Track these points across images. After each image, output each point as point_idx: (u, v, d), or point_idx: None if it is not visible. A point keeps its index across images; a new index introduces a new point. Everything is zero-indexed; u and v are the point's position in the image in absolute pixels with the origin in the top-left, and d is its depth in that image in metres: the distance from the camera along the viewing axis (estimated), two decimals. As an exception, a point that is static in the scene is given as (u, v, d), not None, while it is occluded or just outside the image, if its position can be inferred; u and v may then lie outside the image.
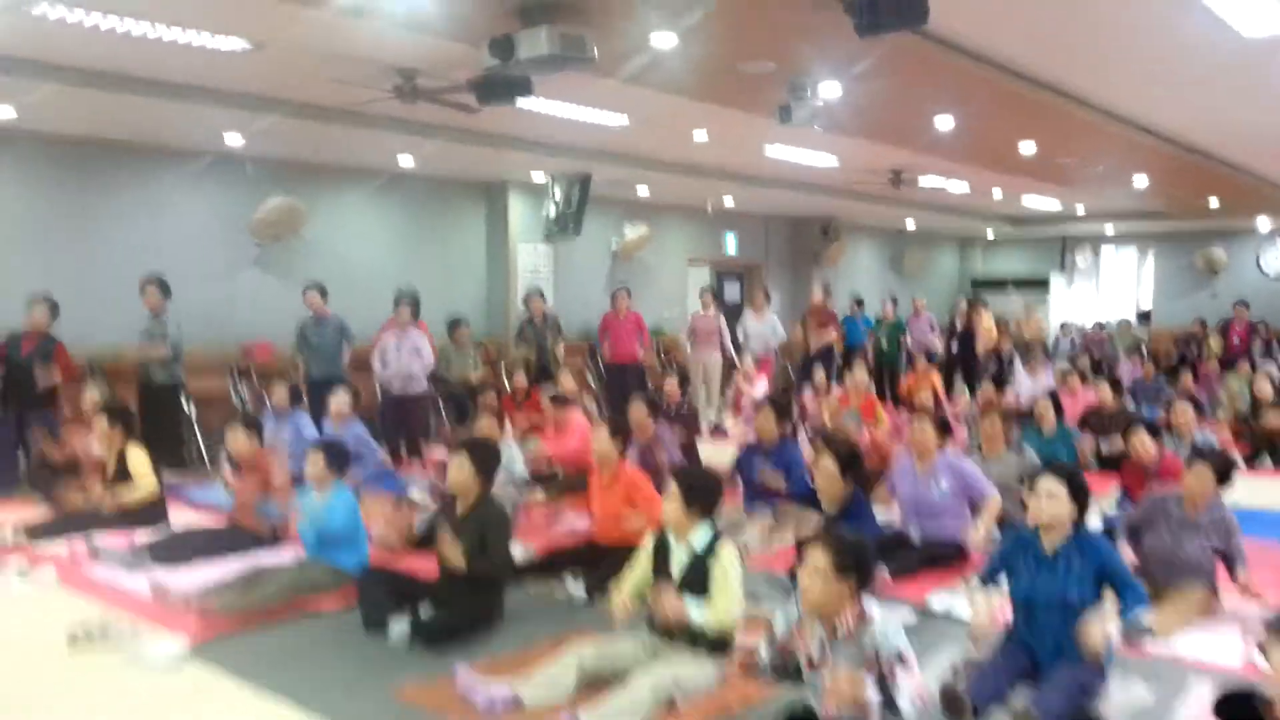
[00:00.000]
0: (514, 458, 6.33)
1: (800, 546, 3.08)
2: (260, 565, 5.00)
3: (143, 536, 5.69)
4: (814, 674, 3.07)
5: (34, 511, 6.47)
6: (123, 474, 6.11)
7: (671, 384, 8.67)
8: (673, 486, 3.85)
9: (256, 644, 4.29)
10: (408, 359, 8.47)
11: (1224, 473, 4.64)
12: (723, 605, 3.73)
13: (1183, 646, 4.16)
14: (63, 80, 6.60)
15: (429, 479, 7.42)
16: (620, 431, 5.34)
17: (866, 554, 3.11)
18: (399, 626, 4.22)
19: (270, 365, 9.18)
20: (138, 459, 6.13)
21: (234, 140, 8.57)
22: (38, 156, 8.19)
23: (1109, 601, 3.54)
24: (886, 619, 3.05)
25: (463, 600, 4.36)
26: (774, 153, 10.25)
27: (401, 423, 8.67)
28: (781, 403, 6.28)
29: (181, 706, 3.69)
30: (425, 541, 4.62)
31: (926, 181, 12.20)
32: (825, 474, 4.69)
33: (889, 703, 2.92)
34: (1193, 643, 4.20)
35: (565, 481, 7.14)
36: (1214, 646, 4.15)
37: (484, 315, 11.52)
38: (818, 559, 2.99)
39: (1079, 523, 3.69)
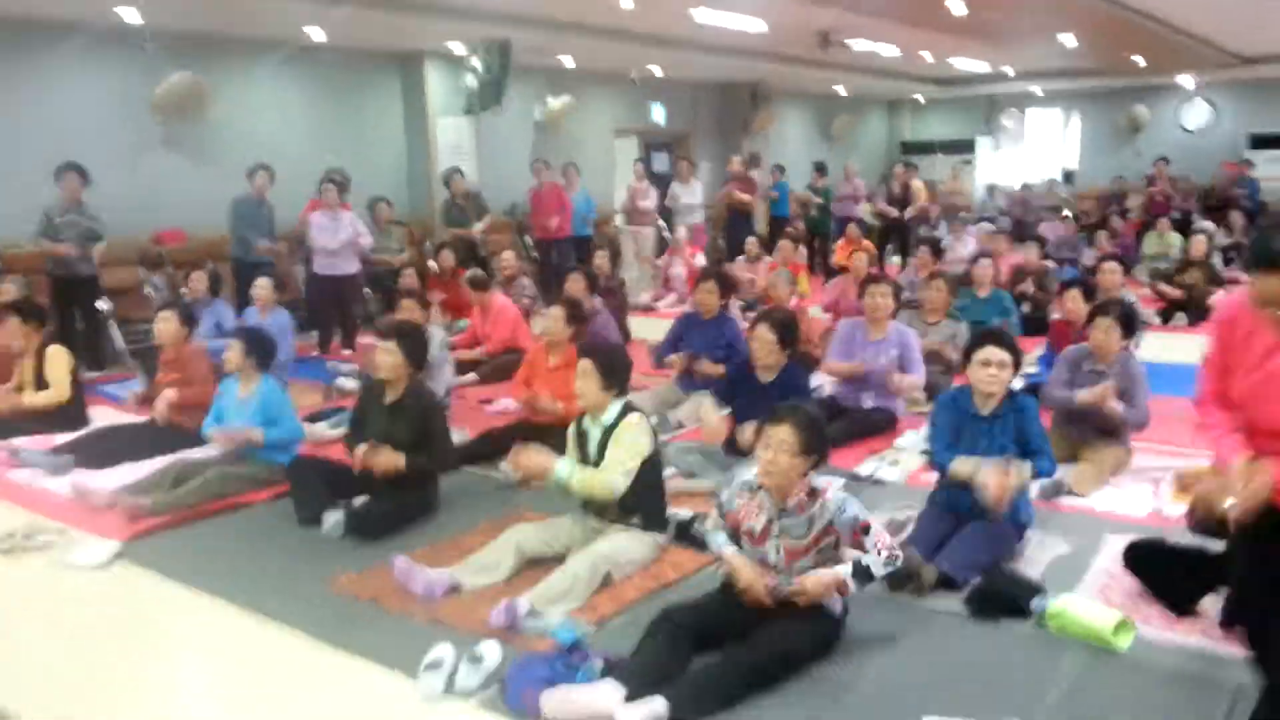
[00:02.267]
0: (439, 341, 6.16)
1: (771, 414, 3.05)
2: (187, 460, 4.90)
3: (63, 438, 5.53)
4: (755, 548, 3.12)
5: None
6: (42, 376, 5.86)
7: (602, 258, 8.58)
8: (586, 364, 3.75)
9: (187, 542, 4.24)
10: (344, 241, 8.21)
11: (1128, 325, 4.77)
12: (599, 470, 3.66)
13: (1097, 501, 4.34)
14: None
15: (359, 366, 7.31)
16: (576, 316, 5.27)
17: (824, 431, 3.12)
18: (333, 518, 4.19)
19: (185, 253, 8.83)
20: (56, 361, 5.87)
21: (129, 13, 8.00)
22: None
23: (1015, 460, 3.65)
24: (839, 492, 3.08)
25: (397, 489, 4.33)
26: (702, 17, 9.93)
27: (333, 306, 8.47)
28: (722, 275, 6.23)
29: (114, 607, 3.65)
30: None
31: (857, 46, 11.97)
32: (763, 343, 4.69)
33: (860, 570, 2.97)
34: (1106, 497, 4.39)
35: (495, 363, 7.08)
36: (1125, 500, 4.34)
37: (405, 194, 11.16)
38: (784, 435, 2.98)
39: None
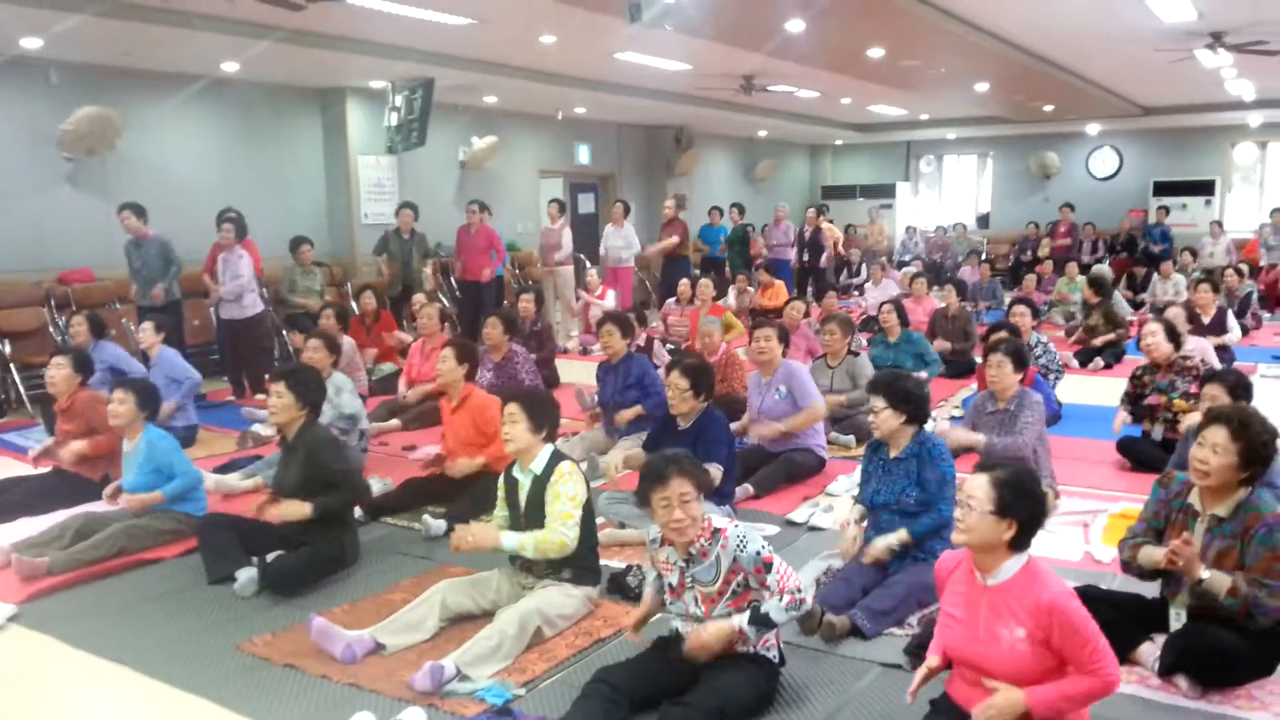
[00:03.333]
0: (340, 387, 5.59)
1: (653, 476, 2.92)
2: (91, 514, 4.62)
3: (-46, 489, 5.18)
4: (675, 601, 3.03)
5: None
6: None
7: (526, 301, 8.48)
8: (514, 408, 3.62)
9: (88, 602, 3.98)
10: (230, 281, 7.97)
11: (1019, 360, 4.87)
12: (547, 530, 3.49)
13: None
14: None
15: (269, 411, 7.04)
16: (466, 355, 5.12)
17: (702, 465, 3.05)
18: (245, 575, 3.97)
19: (94, 293, 8.47)
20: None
21: (32, 43, 7.69)
22: None
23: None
24: (738, 527, 2.99)
25: (310, 540, 4.14)
26: (626, 58, 9.97)
27: (241, 350, 8.19)
28: (621, 317, 6.15)
29: (5, 676, 3.39)
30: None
31: (777, 88, 12.16)
32: (676, 390, 4.63)
33: (759, 618, 2.88)
34: (1038, 541, 4.38)
35: (419, 408, 6.89)
36: (1057, 544, 4.35)
37: (325, 233, 10.90)
38: (680, 488, 2.87)
39: (919, 427, 3.81)
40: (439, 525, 4.62)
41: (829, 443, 5.77)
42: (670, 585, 3.04)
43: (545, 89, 11.25)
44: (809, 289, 13.29)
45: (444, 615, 3.57)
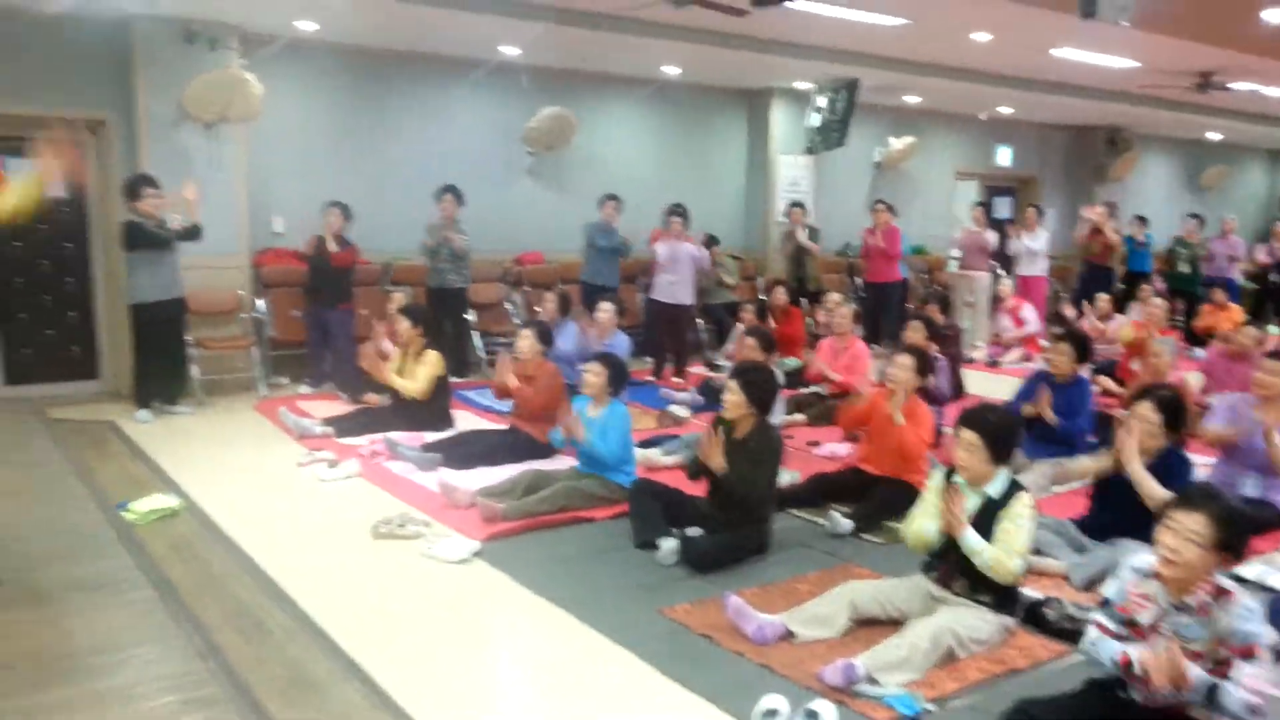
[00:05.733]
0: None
1: (1186, 499, 2.70)
2: (538, 470, 5.25)
3: (432, 437, 6.12)
4: (1142, 643, 2.80)
5: (338, 406, 7.13)
6: (409, 371, 6.58)
7: (934, 307, 8.28)
8: (968, 435, 3.54)
9: (535, 548, 4.52)
10: (684, 268, 8.59)
11: None
12: (1002, 553, 3.42)
13: None
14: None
15: (690, 393, 7.53)
16: (925, 365, 5.13)
17: (1245, 528, 2.76)
18: (668, 545, 4.31)
19: (541, 274, 9.54)
20: (429, 362, 6.54)
21: (511, 51, 8.80)
22: (337, 68, 8.72)
23: None
24: (1251, 600, 2.66)
25: (732, 526, 4.39)
26: (1063, 54, 9.37)
27: (668, 335, 8.82)
28: (1078, 335, 5.82)
29: (470, 601, 3.95)
30: (695, 472, 4.61)
31: (1240, 86, 10.79)
32: (1147, 425, 4.20)
33: (1211, 699, 2.56)
34: None
35: (825, 405, 7.01)
36: None
37: (741, 228, 11.41)
38: (1195, 525, 2.62)
39: None
40: (846, 524, 4.70)
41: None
42: (1136, 623, 2.77)
43: (971, 88, 10.88)
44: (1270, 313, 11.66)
45: (852, 615, 3.63)
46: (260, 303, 8.08)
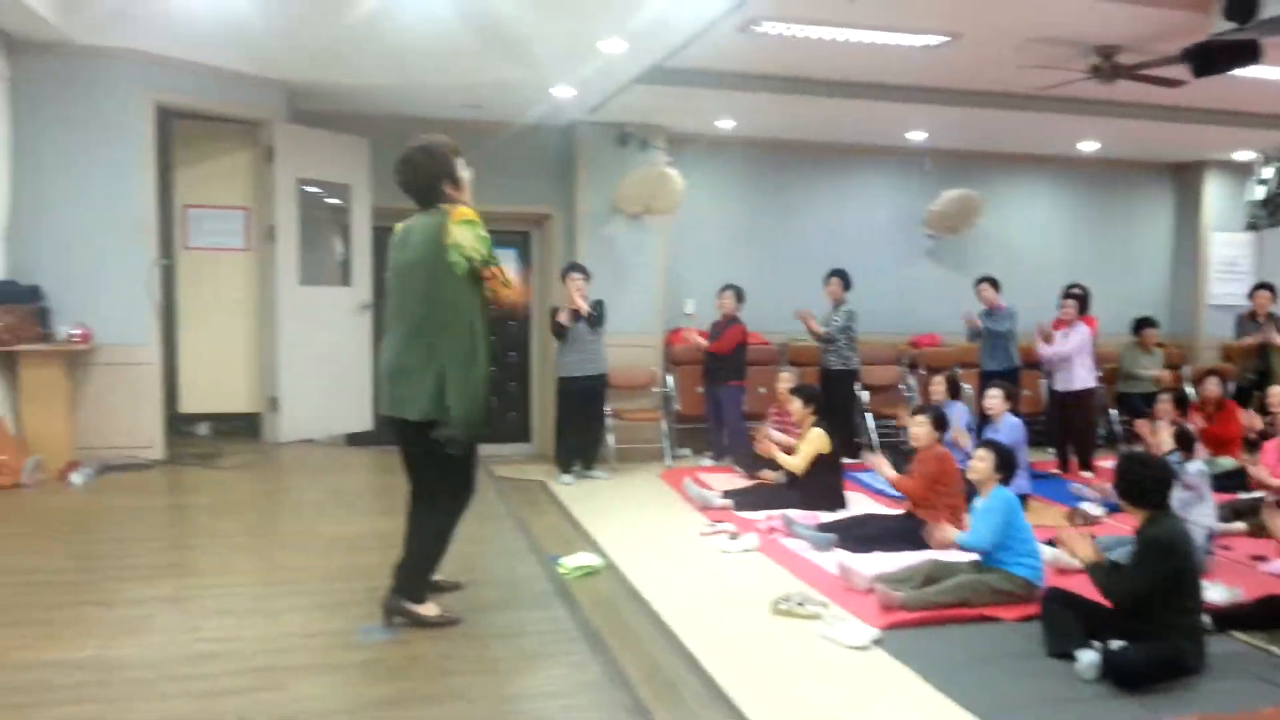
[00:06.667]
0: (1195, 472, 5.47)
1: None
2: (937, 560, 5.12)
3: (827, 517, 6.20)
4: None
5: (736, 480, 7.45)
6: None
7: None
8: None
9: (939, 644, 4.38)
10: (1072, 355, 8.06)
11: None
12: None
13: None
14: (771, 89, 7.37)
15: (1099, 490, 6.97)
16: None
17: None
18: (1087, 659, 4.00)
19: (937, 357, 9.37)
20: (813, 440, 6.68)
21: (916, 135, 8.84)
22: (746, 159, 9.29)
23: None
24: None
25: (1154, 638, 4.00)
26: None
27: (1069, 422, 8.26)
28: None
29: (875, 691, 3.91)
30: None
31: None
32: None
33: None
34: None
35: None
36: None
37: (1166, 311, 10.43)
38: None
39: None
40: (1306, 655, 4.10)
41: None
42: None
43: None
44: None
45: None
46: (669, 378, 8.70)
